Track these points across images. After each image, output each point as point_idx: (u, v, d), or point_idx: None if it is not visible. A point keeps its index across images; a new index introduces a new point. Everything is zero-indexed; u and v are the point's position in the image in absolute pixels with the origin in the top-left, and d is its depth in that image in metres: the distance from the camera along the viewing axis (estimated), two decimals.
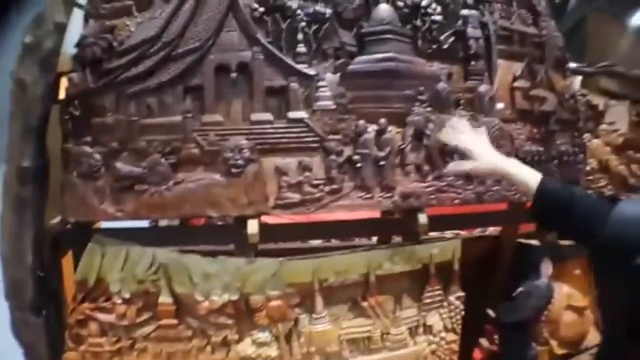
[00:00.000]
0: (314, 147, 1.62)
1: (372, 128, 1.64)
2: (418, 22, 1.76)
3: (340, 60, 1.69)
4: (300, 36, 1.68)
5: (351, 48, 1.71)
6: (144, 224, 1.88)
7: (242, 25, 1.66)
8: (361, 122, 1.64)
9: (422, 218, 1.63)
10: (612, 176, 2.12)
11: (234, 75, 1.63)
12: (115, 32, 1.66)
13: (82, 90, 1.61)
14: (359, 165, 1.62)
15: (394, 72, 1.68)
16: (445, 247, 1.80)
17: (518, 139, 1.80)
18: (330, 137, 1.64)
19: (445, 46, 1.77)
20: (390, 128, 1.65)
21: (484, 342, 2.33)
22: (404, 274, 1.75)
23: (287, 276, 1.64)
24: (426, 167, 1.66)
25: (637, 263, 1.68)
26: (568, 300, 2.08)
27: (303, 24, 1.67)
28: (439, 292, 1.78)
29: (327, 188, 1.62)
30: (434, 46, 1.76)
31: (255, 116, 1.61)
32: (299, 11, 1.68)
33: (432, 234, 1.92)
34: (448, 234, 2.27)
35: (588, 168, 2.02)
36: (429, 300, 1.77)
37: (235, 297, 1.61)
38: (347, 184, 1.63)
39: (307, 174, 1.60)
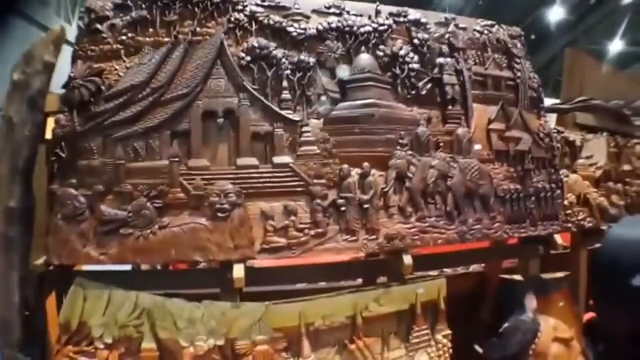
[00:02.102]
0: (299, 191, 1.67)
1: (355, 172, 1.70)
2: (397, 70, 1.86)
3: (324, 107, 1.76)
4: (285, 83, 1.75)
5: (334, 94, 1.78)
6: (127, 267, 1.88)
7: (229, 73, 1.73)
8: (345, 166, 1.70)
9: (407, 259, 1.67)
10: (591, 208, 2.19)
11: (220, 120, 1.68)
12: (103, 76, 1.70)
13: (69, 132, 1.63)
14: (343, 208, 1.67)
15: (375, 117, 1.76)
16: (430, 286, 1.84)
17: (496, 178, 1.87)
18: (315, 181, 1.69)
19: (423, 92, 1.85)
20: (373, 171, 1.71)
21: None
22: (390, 315, 1.77)
23: (273, 320, 1.64)
24: (409, 209, 1.72)
25: (634, 285, 1.72)
26: (554, 333, 2.11)
27: (288, 72, 1.75)
28: (426, 331, 1.81)
29: (312, 232, 1.66)
30: (413, 92, 1.85)
31: (241, 161, 1.66)
32: (283, 60, 1.76)
33: (417, 273, 1.97)
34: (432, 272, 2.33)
35: (566, 202, 2.09)
36: (416, 340, 1.79)
37: (220, 342, 1.61)
38: (332, 227, 1.67)
39: (293, 218, 1.64)
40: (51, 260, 1.61)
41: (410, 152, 1.76)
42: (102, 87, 1.67)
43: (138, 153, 1.64)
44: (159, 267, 2.14)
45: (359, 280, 2.06)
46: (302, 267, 1.83)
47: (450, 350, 1.83)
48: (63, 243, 1.58)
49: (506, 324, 1.94)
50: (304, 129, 1.72)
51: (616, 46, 11.60)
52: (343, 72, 1.81)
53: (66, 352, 1.59)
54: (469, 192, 1.79)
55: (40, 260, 1.68)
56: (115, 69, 1.72)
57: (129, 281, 1.63)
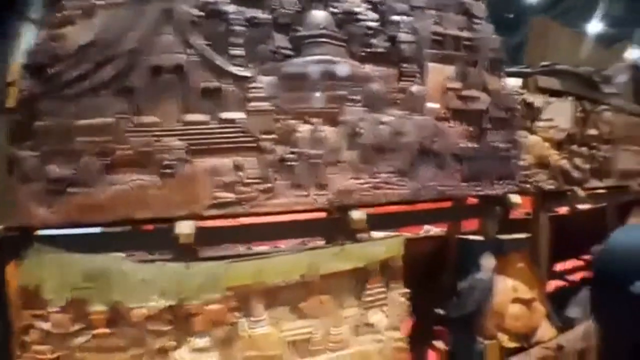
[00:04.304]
0: (247, 147, 1.65)
1: (306, 127, 1.69)
2: (352, 27, 1.84)
3: (276, 63, 1.74)
4: (236, 39, 1.72)
5: (287, 51, 1.76)
6: (94, 229, 1.87)
7: (179, 28, 1.70)
8: (295, 121, 1.69)
9: (356, 214, 1.67)
10: (552, 170, 2.19)
11: (168, 76, 1.65)
12: (60, 40, 1.67)
13: (27, 97, 1.61)
14: (292, 164, 1.67)
15: (327, 73, 1.74)
16: (387, 244, 1.85)
17: (452, 137, 1.86)
18: (264, 136, 1.68)
19: (379, 50, 1.83)
20: (324, 127, 1.70)
21: (438, 344, 2.37)
22: (345, 273, 1.78)
23: (226, 279, 1.64)
24: (360, 165, 1.71)
25: (633, 290, 1.73)
26: (514, 293, 2.13)
27: (240, 27, 1.73)
28: (382, 289, 1.82)
29: (261, 187, 1.66)
30: (368, 50, 1.83)
31: (189, 117, 1.65)
32: (236, 15, 1.73)
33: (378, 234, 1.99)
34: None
35: (526, 163, 2.08)
36: (370, 298, 1.80)
37: (172, 303, 1.60)
38: (281, 183, 1.67)
39: (241, 173, 1.63)
40: (6, 223, 1.59)
41: (363, 108, 1.75)
42: (59, 51, 1.63)
43: (87, 111, 1.61)
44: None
45: None
46: (257, 225, 1.82)
47: (409, 309, 1.84)
48: (17, 205, 1.57)
49: (463, 283, 1.95)
50: (255, 85, 1.69)
51: (595, 27, 11.63)
52: (297, 28, 1.78)
53: (25, 317, 1.60)
54: (423, 150, 1.79)
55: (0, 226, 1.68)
56: (72, 33, 1.67)
57: (87, 244, 1.62)
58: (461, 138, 1.90)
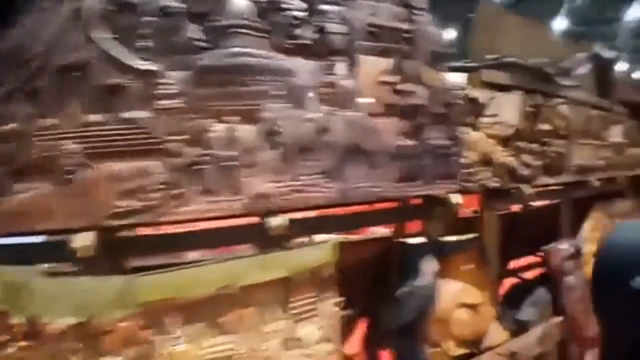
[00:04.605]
0: (153, 149, 1.50)
1: (220, 127, 1.55)
2: (276, 17, 1.70)
3: (188, 56, 1.60)
4: (146, 31, 1.58)
5: (201, 43, 1.62)
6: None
7: (85, 25, 1.55)
8: (208, 120, 1.55)
9: (276, 221, 1.54)
10: (497, 168, 2.09)
11: (73, 75, 1.52)
12: None
13: None
14: (204, 167, 1.52)
15: (247, 67, 1.60)
16: (317, 251, 1.73)
17: (386, 133, 1.74)
18: (173, 138, 1.53)
19: (306, 41, 1.70)
20: (241, 126, 1.56)
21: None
22: (270, 284, 1.64)
23: (137, 294, 1.49)
24: (281, 167, 1.58)
25: (634, 285, 1.67)
26: (459, 298, 2.04)
27: (151, 18, 1.58)
28: (312, 299, 1.69)
29: (168, 193, 1.50)
30: (294, 41, 1.70)
31: (89, 118, 1.50)
32: (147, 6, 1.58)
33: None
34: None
35: (468, 161, 1.98)
36: (299, 310, 1.67)
37: (82, 319, 1.46)
38: (191, 188, 1.52)
39: (146, 179, 1.48)
40: None
41: (284, 104, 1.61)
42: None
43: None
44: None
45: None
46: (170, 235, 1.71)
47: (343, 319, 1.73)
48: None
49: (400, 290, 1.84)
50: (164, 80, 1.55)
51: (561, 24, 11.77)
52: (215, 17, 1.64)
53: None
54: (352, 148, 1.66)
55: None
56: None
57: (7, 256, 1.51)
58: (396, 135, 1.77)
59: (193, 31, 1.63)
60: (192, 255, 2.17)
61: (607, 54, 3.67)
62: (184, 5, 1.62)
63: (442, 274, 1.99)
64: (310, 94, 1.67)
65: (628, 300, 2.00)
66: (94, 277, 1.49)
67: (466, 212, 2.59)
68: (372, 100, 1.76)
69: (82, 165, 1.46)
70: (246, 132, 1.58)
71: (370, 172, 1.69)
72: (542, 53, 2.82)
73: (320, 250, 1.73)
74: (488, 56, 2.42)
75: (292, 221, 1.64)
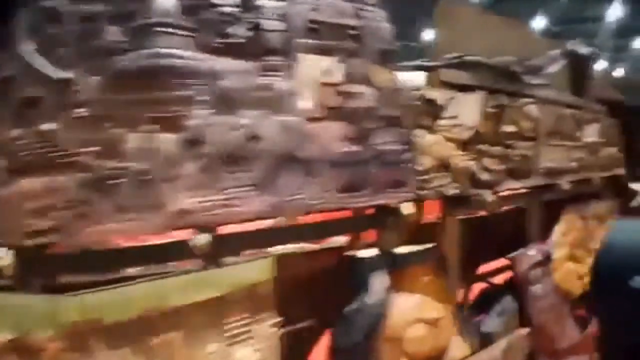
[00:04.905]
0: (64, 163, 1.37)
1: (136, 136, 1.41)
2: (205, 14, 1.56)
3: (106, 60, 1.45)
4: (65, 38, 1.45)
5: (121, 45, 1.48)
6: None
7: (14, 37, 1.45)
8: (124, 130, 1.41)
9: (201, 239, 1.40)
10: (455, 173, 1.96)
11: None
12: None
13: None
14: (118, 181, 1.38)
15: (167, 69, 1.46)
16: (253, 268, 1.60)
17: (327, 139, 1.61)
18: (84, 150, 1.39)
19: (237, 40, 1.56)
20: (161, 135, 1.42)
21: None
22: (203, 304, 1.51)
23: (62, 314, 1.37)
24: (206, 179, 1.44)
25: (633, 285, 1.60)
26: (416, 313, 1.91)
27: (71, 25, 1.46)
28: (247, 321, 1.57)
29: (79, 211, 1.37)
30: (223, 40, 1.56)
31: (10, 133, 1.38)
32: (67, 12, 1.46)
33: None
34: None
35: (422, 167, 1.85)
36: (234, 332, 1.54)
37: (7, 338, 1.32)
38: (104, 205, 1.38)
39: (55, 196, 1.34)
40: None
41: (211, 110, 1.47)
42: None
43: None
44: None
45: None
46: (116, 250, 1.61)
47: (279, 340, 1.60)
48: None
49: (350, 307, 1.71)
50: (80, 88, 1.41)
51: (539, 23, 11.77)
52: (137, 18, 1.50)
53: None
54: (288, 157, 1.52)
55: None
56: None
57: None
58: (339, 141, 1.63)
59: (114, 34, 1.49)
60: (129, 271, 2.05)
61: (583, 50, 3.57)
62: (106, 8, 1.49)
63: (397, 287, 1.87)
64: (241, 98, 1.54)
65: (627, 300, 1.94)
66: (22, 294, 1.39)
67: (428, 219, 2.48)
68: (312, 103, 1.63)
69: (3, 182, 1.36)
70: (165, 141, 1.43)
71: (308, 182, 1.55)
72: (512, 51, 2.70)
73: (256, 267, 1.61)
74: (449, 55, 2.30)
75: (226, 236, 1.53)
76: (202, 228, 1.45)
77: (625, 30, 22.65)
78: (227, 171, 1.46)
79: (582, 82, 3.42)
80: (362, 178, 1.67)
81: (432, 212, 2.28)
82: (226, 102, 1.51)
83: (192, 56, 1.53)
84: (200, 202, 1.42)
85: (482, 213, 2.78)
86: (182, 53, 1.53)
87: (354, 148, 1.67)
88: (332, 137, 1.63)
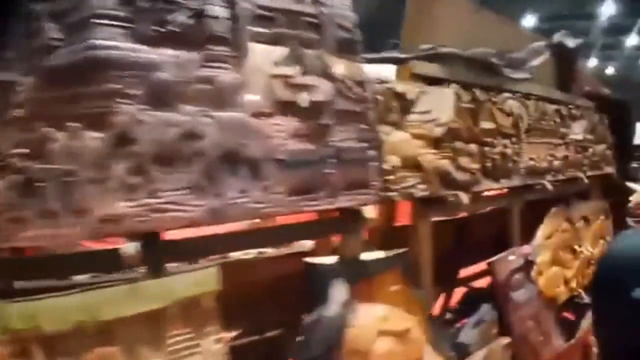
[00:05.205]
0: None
1: (61, 135, 1.27)
2: (141, 2, 1.41)
3: (40, 58, 1.33)
4: (13, 40, 1.36)
5: (56, 42, 1.35)
6: None
7: None
8: (46, 129, 1.27)
9: (130, 247, 1.27)
10: (426, 173, 1.82)
11: None
12: None
13: None
14: (42, 184, 1.25)
15: (96, 62, 1.31)
16: (193, 278, 1.46)
17: (277, 137, 1.47)
18: (14, 152, 1.27)
19: (177, 29, 1.42)
20: (87, 133, 1.28)
21: None
22: (138, 317, 1.36)
23: (6, 321, 1.24)
24: (136, 181, 1.30)
25: (634, 296, 1.52)
26: (382, 324, 1.77)
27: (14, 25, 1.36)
28: (191, 335, 1.43)
29: (7, 216, 1.25)
30: (161, 29, 1.41)
31: None
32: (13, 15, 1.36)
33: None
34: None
35: (388, 166, 1.71)
36: (175, 347, 1.39)
37: None
38: (29, 210, 1.25)
39: None
40: None
41: (143, 106, 1.33)
42: None
43: None
44: None
45: None
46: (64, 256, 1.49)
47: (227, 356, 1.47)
48: None
49: (307, 319, 1.57)
50: (18, 89, 1.31)
51: (530, 21, 11.74)
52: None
53: None
54: (230, 156, 1.38)
55: None
56: None
57: None
58: (291, 138, 1.49)
59: (52, 30, 1.35)
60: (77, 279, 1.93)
61: (569, 42, 3.44)
62: (46, 6, 1.37)
63: (362, 297, 1.73)
64: (179, 92, 1.39)
65: (628, 310, 1.87)
66: None
67: (401, 223, 2.35)
68: (261, 97, 1.49)
69: None
70: (92, 140, 1.29)
71: (253, 184, 1.41)
72: (492, 44, 2.57)
73: (200, 277, 1.47)
74: (422, 46, 2.16)
75: (167, 243, 1.40)
76: (132, 235, 1.33)
77: (617, 28, 22.71)
78: (161, 172, 1.32)
79: (569, 76, 3.29)
80: (317, 179, 1.52)
81: (405, 216, 2.15)
82: (161, 97, 1.36)
83: (126, 47, 1.37)
84: (130, 206, 1.29)
85: (461, 215, 2.67)
86: (114, 44, 1.36)
87: (308, 146, 1.53)
88: (283, 134, 1.49)
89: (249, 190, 1.40)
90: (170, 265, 1.52)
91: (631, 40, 25.43)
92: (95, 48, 1.34)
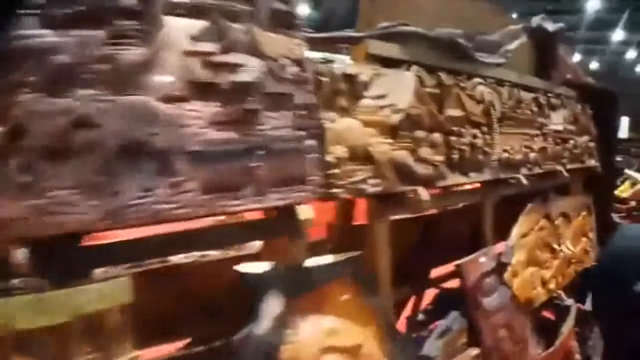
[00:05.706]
0: None
1: None
2: None
3: None
4: None
5: None
6: None
7: None
8: None
9: (20, 254, 1.06)
10: (379, 166, 1.61)
11: None
12: None
13: None
14: None
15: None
16: (100, 290, 1.24)
17: (193, 125, 1.26)
18: None
19: (82, 7, 1.21)
20: None
21: None
22: (46, 330, 1.16)
23: None
24: (24, 179, 1.08)
25: (635, 290, 1.41)
26: (328, 340, 1.57)
27: None
28: (96, 353, 1.22)
29: None
30: (64, 9, 1.20)
31: None
32: None
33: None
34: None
35: (331, 158, 1.50)
36: None
37: None
38: None
39: None
40: None
41: (38, 94, 1.12)
42: None
43: None
44: None
45: None
46: None
47: None
48: None
49: (236, 337, 1.37)
50: None
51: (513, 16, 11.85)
52: None
53: None
54: (131, 148, 1.17)
55: None
56: None
57: None
58: (208, 126, 1.28)
59: None
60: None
61: (550, 26, 3.25)
62: None
63: (305, 309, 1.53)
64: (75, 75, 1.18)
65: (629, 305, 1.80)
66: None
67: (356, 223, 2.15)
68: (173, 78, 1.27)
69: None
70: None
71: (160, 181, 1.20)
72: (465, 25, 2.37)
73: (107, 288, 1.25)
74: (381, 24, 1.96)
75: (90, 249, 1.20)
76: (18, 240, 1.12)
77: (602, 23, 22.83)
78: (50, 169, 1.11)
79: (548, 62, 3.11)
80: (240, 174, 1.31)
81: (358, 216, 1.96)
82: (56, 82, 1.15)
83: (31, 34, 1.15)
84: (17, 208, 1.07)
85: (428, 214, 2.48)
86: (12, 32, 1.18)
87: (231, 135, 1.31)
88: (199, 121, 1.28)
89: (154, 189, 1.19)
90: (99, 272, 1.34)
91: (617, 36, 25.55)
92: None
